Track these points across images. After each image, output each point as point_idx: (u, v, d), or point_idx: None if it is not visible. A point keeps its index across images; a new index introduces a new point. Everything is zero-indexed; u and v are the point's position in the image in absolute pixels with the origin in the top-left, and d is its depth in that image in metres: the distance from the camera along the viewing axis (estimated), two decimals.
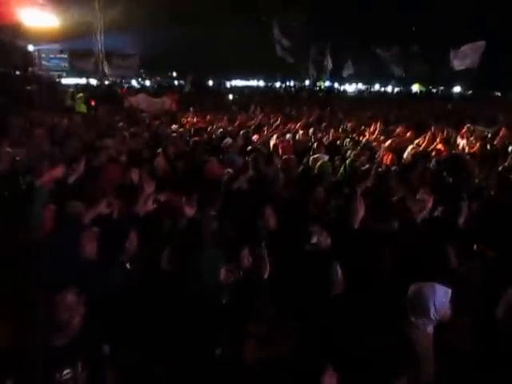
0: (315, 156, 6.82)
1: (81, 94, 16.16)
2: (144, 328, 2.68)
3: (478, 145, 7.88)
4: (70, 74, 34.86)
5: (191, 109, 14.36)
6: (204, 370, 2.56)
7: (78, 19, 25.39)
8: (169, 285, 3.03)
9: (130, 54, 30.43)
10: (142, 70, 38.85)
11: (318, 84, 36.11)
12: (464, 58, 20.87)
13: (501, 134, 8.65)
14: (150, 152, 6.76)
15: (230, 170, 5.70)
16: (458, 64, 21.33)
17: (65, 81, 32.97)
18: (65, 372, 2.35)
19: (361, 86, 45.82)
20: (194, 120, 12.31)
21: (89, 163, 5.14)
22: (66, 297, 2.42)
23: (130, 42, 30.59)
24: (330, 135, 8.93)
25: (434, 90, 43.44)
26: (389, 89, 43.07)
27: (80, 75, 33.72)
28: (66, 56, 36.47)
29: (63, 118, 10.39)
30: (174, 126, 10.43)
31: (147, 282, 3.06)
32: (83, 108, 15.08)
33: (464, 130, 9.15)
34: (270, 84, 45.04)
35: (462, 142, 8.46)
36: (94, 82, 30.40)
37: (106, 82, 26.69)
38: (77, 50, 32.42)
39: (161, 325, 2.72)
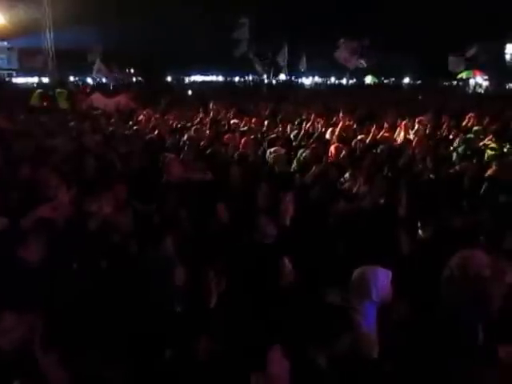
0: (271, 149, 6.92)
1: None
2: (92, 331, 2.64)
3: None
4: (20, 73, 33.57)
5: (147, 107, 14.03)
6: (156, 372, 2.56)
7: (25, 16, 24.45)
8: (119, 285, 3.00)
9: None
10: None
11: (275, 78, 36.36)
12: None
13: (445, 126, 9.10)
14: (103, 151, 6.63)
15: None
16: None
17: (15, 80, 31.65)
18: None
19: (317, 78, 46.56)
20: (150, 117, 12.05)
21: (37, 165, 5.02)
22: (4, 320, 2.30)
23: (82, 39, 29.58)
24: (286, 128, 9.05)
25: (386, 81, 45.03)
26: (344, 81, 44.03)
27: (31, 74, 32.50)
28: (14, 54, 35.02)
29: (10, 119, 9.96)
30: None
31: (95, 284, 3.02)
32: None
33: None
34: (228, 79, 45.07)
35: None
36: (45, 80, 29.39)
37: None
38: (26, 47, 31.19)
39: (110, 327, 2.69)
